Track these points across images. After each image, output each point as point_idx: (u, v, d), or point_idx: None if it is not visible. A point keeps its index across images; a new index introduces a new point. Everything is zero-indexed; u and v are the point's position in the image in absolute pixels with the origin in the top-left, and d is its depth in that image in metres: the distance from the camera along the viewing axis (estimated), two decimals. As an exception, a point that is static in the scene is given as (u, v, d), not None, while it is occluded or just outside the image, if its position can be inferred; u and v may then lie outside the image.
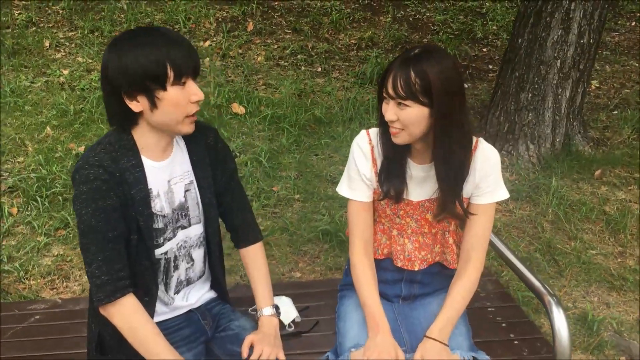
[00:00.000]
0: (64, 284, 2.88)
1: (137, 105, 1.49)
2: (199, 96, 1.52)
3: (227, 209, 1.83)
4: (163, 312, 1.77)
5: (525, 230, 3.42)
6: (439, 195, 1.68)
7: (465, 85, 5.35)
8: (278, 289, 2.40)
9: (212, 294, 1.90)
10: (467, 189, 1.71)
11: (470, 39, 6.28)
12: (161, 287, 1.72)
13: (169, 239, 1.66)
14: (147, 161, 1.58)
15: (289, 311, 2.17)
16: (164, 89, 1.47)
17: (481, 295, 2.38)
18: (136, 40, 1.46)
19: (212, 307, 1.88)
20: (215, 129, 1.79)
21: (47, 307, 2.33)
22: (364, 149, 1.73)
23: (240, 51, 5.64)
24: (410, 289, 1.89)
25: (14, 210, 3.37)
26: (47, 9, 6.24)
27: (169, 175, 1.64)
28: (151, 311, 1.68)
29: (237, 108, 4.53)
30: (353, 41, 6.07)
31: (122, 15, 6.11)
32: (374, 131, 1.73)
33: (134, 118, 1.53)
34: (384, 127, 1.63)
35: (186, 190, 1.68)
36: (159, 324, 1.73)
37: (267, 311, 1.84)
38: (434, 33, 6.34)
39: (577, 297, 2.93)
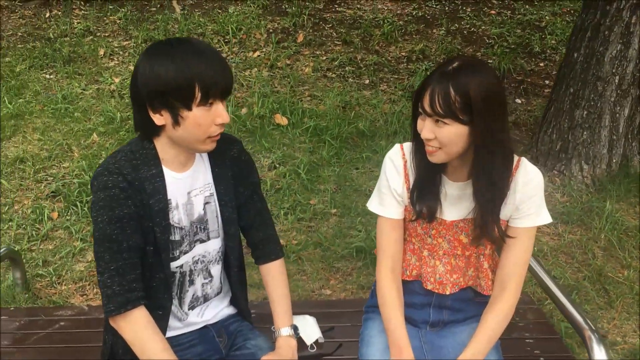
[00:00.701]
0: (94, 290, 2.88)
1: (160, 118, 1.45)
2: (223, 119, 1.47)
3: (249, 224, 1.76)
4: (176, 327, 1.71)
5: (575, 256, 3.21)
6: (476, 216, 1.56)
7: (519, 101, 5.15)
8: (304, 307, 2.33)
9: (231, 310, 1.84)
10: (506, 211, 1.59)
11: (527, 53, 6.06)
12: (175, 302, 1.66)
13: (185, 252, 1.61)
14: (168, 172, 1.54)
15: (313, 331, 2.10)
16: (189, 108, 1.42)
17: (519, 325, 2.25)
18: (170, 52, 1.41)
19: (229, 323, 1.82)
20: (239, 141, 1.73)
21: (73, 313, 2.33)
22: (396, 164, 1.64)
23: (288, 62, 5.62)
24: (439, 314, 1.78)
25: (55, 215, 3.42)
26: (105, 19, 6.42)
27: (189, 187, 1.59)
28: (164, 325, 1.63)
29: (280, 119, 4.50)
30: (404, 53, 5.96)
31: (175, 26, 6.21)
32: (407, 145, 1.64)
33: (156, 129, 1.49)
34: (418, 142, 1.54)
35: (206, 203, 1.63)
36: (171, 339, 1.69)
37: (285, 331, 1.76)
38: (488, 46, 6.16)
39: (628, 332, 2.71)
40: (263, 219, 1.79)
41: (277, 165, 3.96)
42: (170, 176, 1.54)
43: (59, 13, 6.48)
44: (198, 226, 1.62)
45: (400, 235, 1.70)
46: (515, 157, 1.58)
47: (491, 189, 1.51)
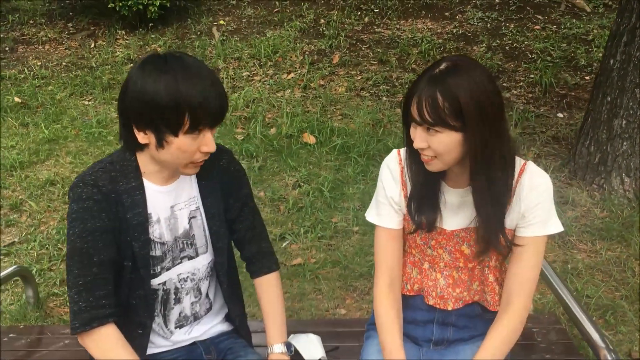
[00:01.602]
0: (106, 308, 2.87)
1: (144, 137, 1.38)
2: (209, 148, 1.40)
3: (241, 237, 1.68)
4: (161, 345, 1.64)
5: (612, 274, 2.98)
6: (479, 228, 1.45)
7: (561, 115, 4.92)
8: (312, 325, 2.25)
9: (224, 327, 1.76)
10: (511, 219, 1.47)
11: (572, 67, 5.82)
12: (158, 320, 1.59)
13: (167, 269, 1.54)
14: (150, 185, 1.48)
15: (316, 350, 2.01)
16: (175, 135, 1.35)
17: (541, 346, 2.10)
18: (164, 70, 1.33)
19: (221, 340, 1.73)
20: (229, 150, 1.67)
21: (78, 332, 2.30)
22: (393, 171, 1.55)
23: (322, 82, 5.59)
24: (443, 332, 1.66)
25: (78, 235, 3.45)
26: (147, 47, 6.59)
27: (173, 201, 1.52)
28: (144, 344, 1.56)
29: (308, 137, 4.45)
30: (440, 71, 5.82)
31: (213, 51, 6.30)
32: (405, 150, 1.53)
33: (139, 144, 1.42)
34: (412, 149, 1.43)
35: (191, 217, 1.56)
36: (154, 355, 1.62)
37: (277, 348, 1.67)
38: (530, 61, 5.95)
39: (668, 356, 2.47)
40: (256, 232, 1.71)
41: (302, 184, 3.90)
42: (152, 189, 1.48)
43: (104, 43, 6.70)
44: (184, 242, 1.56)
45: (399, 246, 1.60)
46: (521, 161, 1.47)
47: (491, 198, 1.39)
